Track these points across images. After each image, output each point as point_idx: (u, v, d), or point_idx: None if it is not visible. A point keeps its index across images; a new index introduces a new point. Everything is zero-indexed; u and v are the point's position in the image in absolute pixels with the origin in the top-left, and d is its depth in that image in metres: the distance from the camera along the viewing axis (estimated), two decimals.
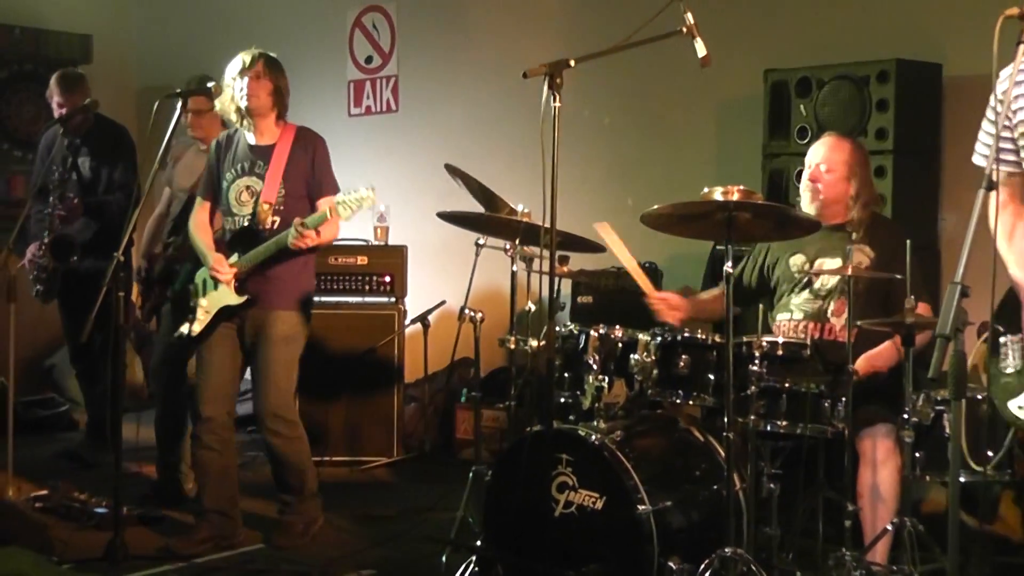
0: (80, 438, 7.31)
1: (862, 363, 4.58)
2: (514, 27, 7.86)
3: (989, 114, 3.48)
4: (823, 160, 4.92)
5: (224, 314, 5.20)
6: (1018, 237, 3.47)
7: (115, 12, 9.79)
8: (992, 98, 3.41)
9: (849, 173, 4.91)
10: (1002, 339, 3.50)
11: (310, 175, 5.28)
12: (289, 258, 5.16)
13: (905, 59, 5.80)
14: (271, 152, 5.25)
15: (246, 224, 5.22)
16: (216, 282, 5.18)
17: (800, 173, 5.23)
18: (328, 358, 6.92)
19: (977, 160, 3.56)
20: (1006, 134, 3.42)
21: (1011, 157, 3.45)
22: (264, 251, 5.11)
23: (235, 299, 5.16)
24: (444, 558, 4.91)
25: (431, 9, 8.34)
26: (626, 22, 4.27)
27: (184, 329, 5.30)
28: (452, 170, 5.26)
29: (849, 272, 4.41)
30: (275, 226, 5.14)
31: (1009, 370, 3.47)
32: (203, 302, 5.23)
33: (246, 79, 5.18)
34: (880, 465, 4.57)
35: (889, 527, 4.43)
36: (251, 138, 5.31)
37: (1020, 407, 3.42)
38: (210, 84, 5.27)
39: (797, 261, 4.95)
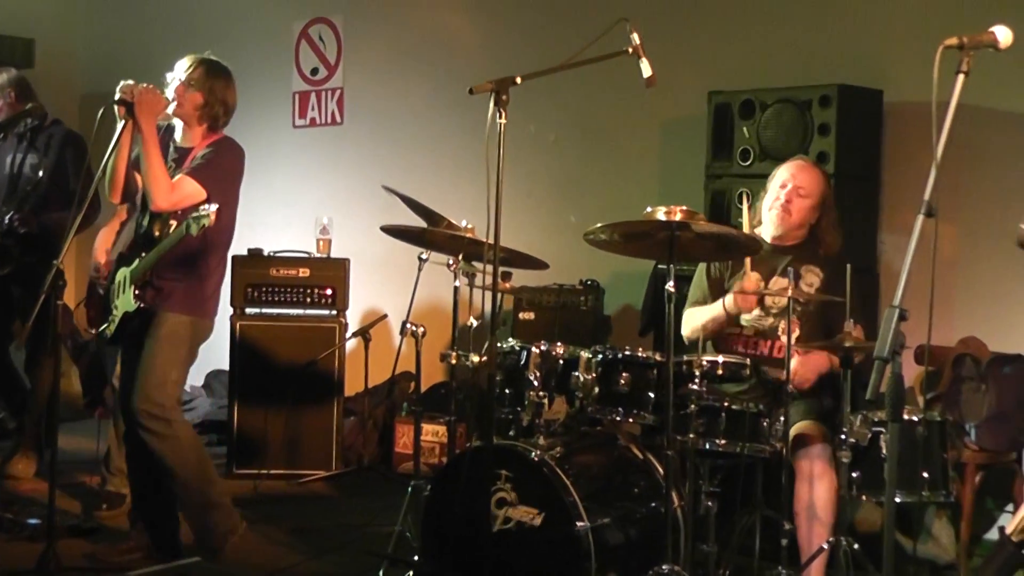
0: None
1: (796, 369, 4.63)
2: (461, 43, 7.88)
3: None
4: (802, 184, 4.95)
5: (128, 319, 5.09)
6: None
7: (58, 17, 9.69)
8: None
9: (821, 202, 4.97)
10: None
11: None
12: (179, 262, 5.03)
13: (847, 84, 5.86)
14: (186, 156, 5.10)
15: (144, 227, 5.09)
16: (130, 286, 5.06)
17: (743, 194, 5.28)
18: (268, 370, 6.89)
19: None
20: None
21: None
22: (154, 257, 4.96)
23: (131, 305, 5.02)
24: (381, 573, 4.89)
25: (378, 22, 8.34)
26: (573, 41, 4.29)
27: (105, 328, 5.23)
28: (390, 191, 5.23)
29: (791, 293, 4.46)
30: (169, 231, 4.97)
31: None
32: (116, 303, 5.14)
33: (176, 83, 5.08)
34: (816, 483, 4.61)
35: (825, 545, 4.47)
36: (179, 135, 5.18)
37: None
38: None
39: (752, 278, 4.98)
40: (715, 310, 4.90)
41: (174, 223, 4.95)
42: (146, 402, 5.00)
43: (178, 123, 5.18)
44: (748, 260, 4.83)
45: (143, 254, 5.02)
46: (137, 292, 5.00)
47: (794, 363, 4.57)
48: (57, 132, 6.56)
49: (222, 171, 5.09)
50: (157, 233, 5.01)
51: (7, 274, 6.42)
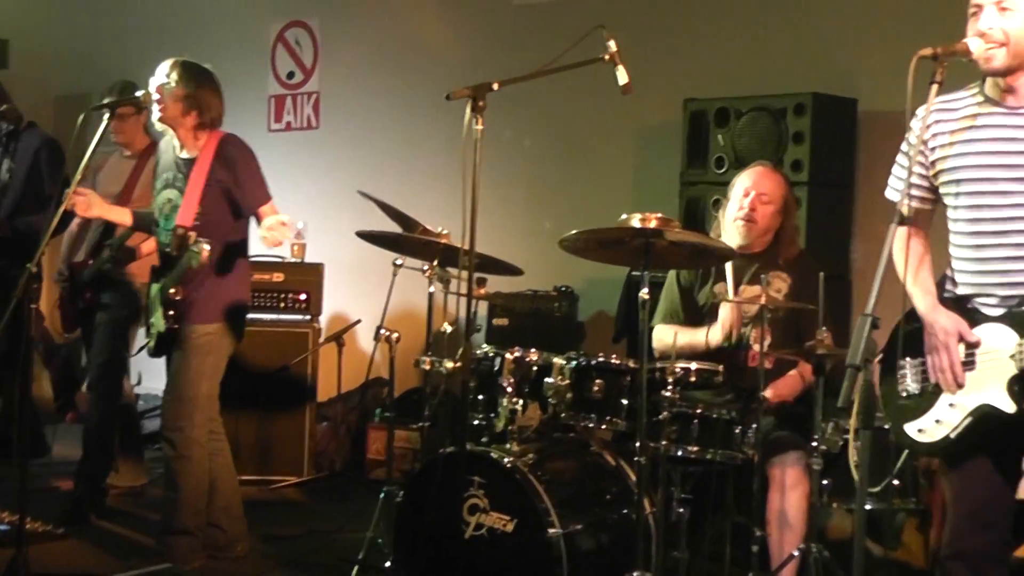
0: None
1: (770, 392, 4.66)
2: (438, 48, 7.88)
3: (904, 147, 3.56)
4: (765, 191, 4.94)
5: (164, 336, 5.11)
6: (923, 271, 3.55)
7: (32, 18, 9.64)
8: (907, 135, 3.50)
9: (784, 207, 4.97)
10: (900, 362, 3.55)
11: (234, 193, 5.09)
12: (204, 278, 5.04)
13: (821, 93, 5.90)
14: (191, 167, 5.08)
15: (165, 242, 5.11)
16: (160, 306, 5.08)
17: (717, 201, 5.29)
18: (240, 375, 6.81)
19: (890, 195, 3.63)
20: (920, 170, 3.50)
21: (922, 193, 3.53)
22: (177, 275, 4.99)
23: (162, 325, 5.05)
24: None
25: (356, 25, 8.33)
26: (550, 47, 4.30)
27: (147, 342, 5.27)
28: (365, 196, 5.22)
29: (763, 301, 4.48)
30: (194, 269, 4.93)
31: (906, 393, 3.54)
32: (152, 320, 5.15)
33: (153, 88, 5.07)
34: (788, 491, 4.62)
35: (796, 552, 4.48)
36: (178, 148, 5.17)
37: (920, 430, 3.48)
38: (139, 92, 5.18)
39: (720, 289, 4.99)
40: (695, 339, 4.88)
41: (193, 235, 4.91)
42: (168, 425, 5.14)
43: (171, 133, 5.17)
44: (729, 266, 4.85)
45: (166, 273, 5.07)
46: (168, 313, 5.04)
47: (769, 392, 4.60)
48: (32, 136, 6.49)
49: (256, 173, 5.17)
50: (175, 253, 5.00)
51: None
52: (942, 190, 3.51)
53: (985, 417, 3.37)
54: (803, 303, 4.64)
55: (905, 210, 3.31)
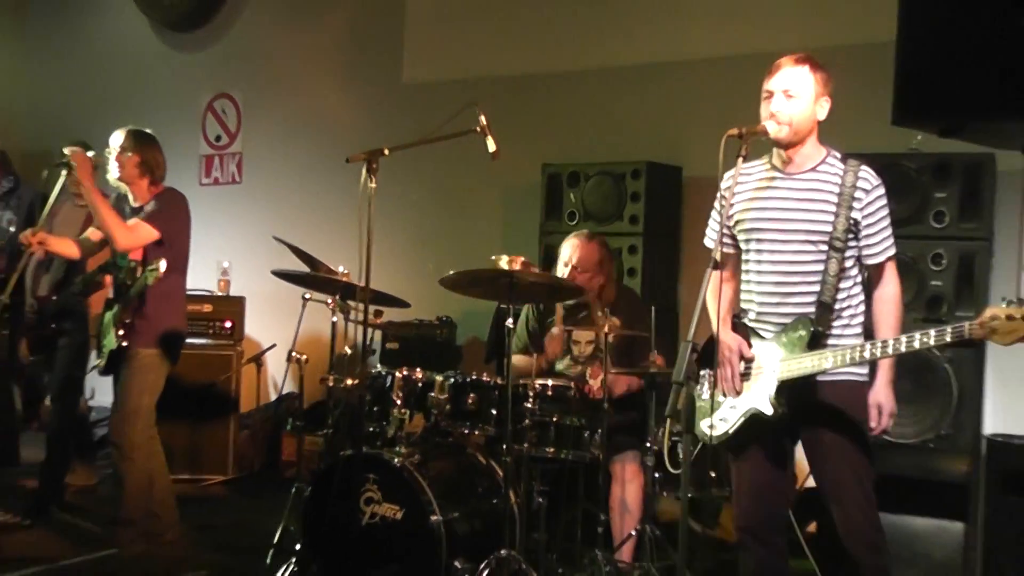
0: None
1: (614, 388, 4.68)
2: (340, 119, 7.83)
3: (716, 205, 3.64)
4: (578, 262, 4.94)
5: (115, 355, 5.00)
6: (724, 304, 3.62)
7: (3, 85, 9.32)
8: (718, 196, 3.57)
9: (599, 268, 4.98)
10: (702, 372, 3.64)
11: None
12: (145, 304, 4.96)
13: (654, 161, 5.99)
14: (139, 212, 5.04)
15: (120, 276, 5.05)
16: (112, 328, 5.00)
17: None
18: (175, 389, 6.63)
19: (707, 242, 3.71)
20: (727, 223, 3.58)
21: (729, 241, 3.62)
22: (125, 302, 4.94)
23: (114, 344, 4.97)
24: (268, 560, 4.80)
25: (272, 99, 8.24)
26: (432, 120, 4.29)
27: (98, 362, 5.16)
28: (279, 240, 5.16)
29: (606, 330, 4.51)
30: (144, 291, 4.92)
31: (704, 396, 3.61)
32: (104, 343, 5.06)
33: (114, 155, 5.04)
34: (628, 483, 4.67)
35: (633, 532, 4.53)
36: (131, 198, 5.14)
37: (710, 426, 3.55)
38: (90, 153, 5.09)
39: (555, 331, 5.02)
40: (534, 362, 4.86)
41: (140, 269, 4.90)
42: (115, 432, 5.04)
43: (126, 188, 5.12)
44: (559, 307, 4.89)
45: (119, 301, 5.00)
46: (119, 333, 4.95)
47: (615, 387, 4.64)
48: (27, 191, 6.39)
49: (170, 214, 5.05)
50: (129, 283, 4.96)
51: None
52: (739, 239, 3.60)
53: (753, 418, 3.47)
54: (637, 331, 4.69)
55: (718, 255, 3.39)
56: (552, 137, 6.78)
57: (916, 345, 3.16)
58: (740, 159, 3.37)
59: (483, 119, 4.24)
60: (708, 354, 3.61)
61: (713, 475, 4.49)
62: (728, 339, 3.54)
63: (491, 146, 4.27)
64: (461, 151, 5.84)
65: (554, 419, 4.43)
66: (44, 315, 5.92)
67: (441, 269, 4.41)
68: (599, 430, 4.44)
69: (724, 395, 3.53)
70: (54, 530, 5.45)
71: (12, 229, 6.17)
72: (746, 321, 3.58)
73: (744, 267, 3.59)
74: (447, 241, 7.23)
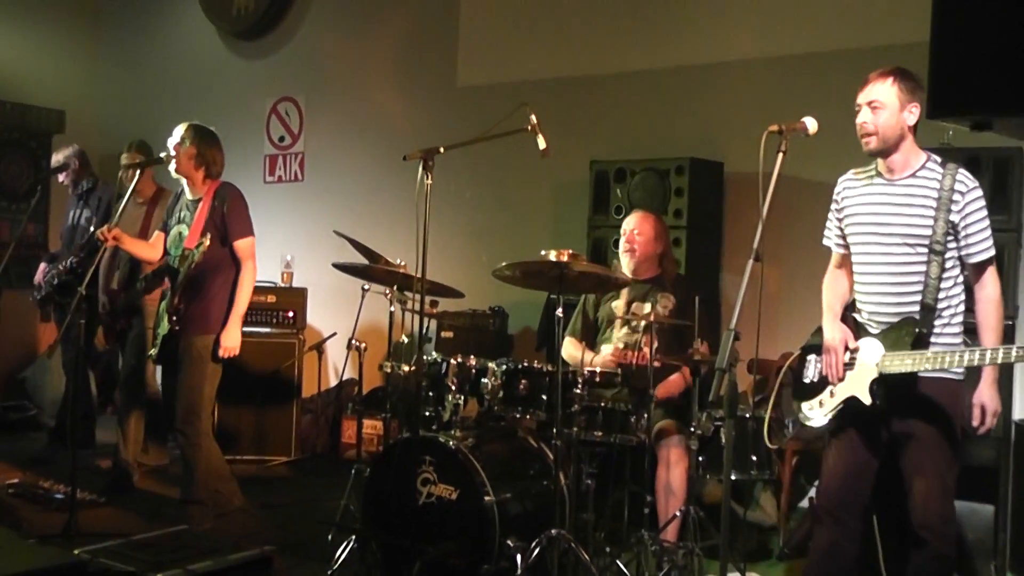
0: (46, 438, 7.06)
1: (659, 390, 4.68)
2: (397, 120, 7.86)
3: (832, 207, 3.78)
4: (636, 227, 5.04)
5: (167, 341, 5.07)
6: (834, 298, 3.76)
7: (83, 91, 9.44)
8: (832, 198, 3.74)
9: (655, 236, 5.04)
10: (808, 357, 3.77)
11: (222, 224, 5.10)
12: (192, 288, 5.02)
13: (697, 158, 5.95)
14: (197, 206, 5.14)
15: (174, 265, 5.12)
16: (165, 315, 5.06)
17: (617, 240, 5.33)
18: (241, 376, 6.77)
19: (825, 242, 3.85)
20: (837, 225, 3.75)
21: (840, 241, 3.76)
22: (177, 288, 5.00)
23: (166, 329, 5.04)
24: (330, 537, 4.84)
25: (333, 101, 8.29)
26: (485, 120, 4.32)
27: (152, 351, 5.24)
28: (340, 235, 5.20)
29: (652, 319, 4.52)
30: (193, 268, 4.98)
31: (807, 379, 3.73)
32: (158, 331, 5.14)
33: (173, 149, 5.12)
34: (672, 466, 4.65)
35: (678, 513, 4.52)
36: (188, 192, 5.21)
37: (809, 407, 3.66)
38: (162, 154, 5.22)
39: (618, 306, 5.03)
40: (583, 357, 4.89)
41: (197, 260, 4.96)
42: (180, 422, 5.11)
43: (183, 180, 5.21)
44: (618, 321, 4.92)
45: (172, 288, 5.09)
46: (172, 318, 5.02)
47: (658, 390, 4.63)
48: (104, 191, 6.51)
49: (240, 211, 5.16)
50: (179, 267, 5.05)
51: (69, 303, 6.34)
52: (848, 240, 3.70)
53: (851, 405, 3.56)
54: (683, 320, 4.68)
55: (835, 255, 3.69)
56: (599, 135, 6.76)
57: (1012, 358, 3.24)
58: (780, 155, 3.35)
59: (533, 119, 4.26)
60: (817, 343, 3.73)
61: (754, 458, 4.47)
62: (835, 331, 3.65)
63: (541, 144, 4.28)
64: (513, 150, 5.89)
65: (603, 404, 4.43)
66: (115, 309, 6.04)
67: (494, 261, 4.43)
68: (646, 415, 4.43)
69: (824, 380, 3.64)
70: (128, 507, 5.52)
71: (91, 228, 6.30)
72: (856, 316, 3.67)
73: (854, 268, 3.70)
74: (500, 235, 7.24)
